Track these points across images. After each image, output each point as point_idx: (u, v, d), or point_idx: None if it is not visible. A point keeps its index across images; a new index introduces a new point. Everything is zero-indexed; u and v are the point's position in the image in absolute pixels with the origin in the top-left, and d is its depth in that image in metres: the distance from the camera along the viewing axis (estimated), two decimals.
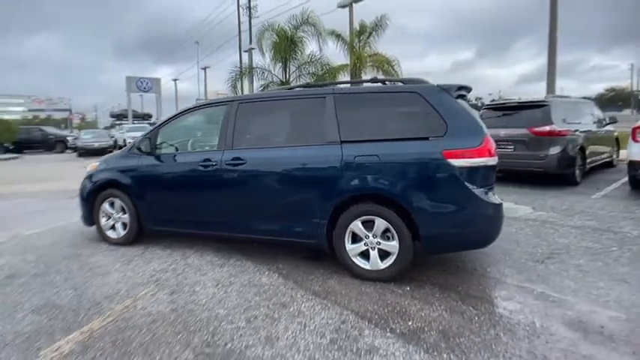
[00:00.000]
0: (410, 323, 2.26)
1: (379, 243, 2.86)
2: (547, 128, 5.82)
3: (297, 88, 3.51)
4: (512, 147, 6.29)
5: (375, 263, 2.87)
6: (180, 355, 1.97)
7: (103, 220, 4.00)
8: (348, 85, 5.56)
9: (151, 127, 3.96)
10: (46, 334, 2.18)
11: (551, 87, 10.21)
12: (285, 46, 12.55)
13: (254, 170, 3.22)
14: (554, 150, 5.80)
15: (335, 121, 3.00)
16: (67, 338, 2.13)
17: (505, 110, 6.66)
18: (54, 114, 65.09)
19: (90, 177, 4.06)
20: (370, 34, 14.36)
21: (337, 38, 14.77)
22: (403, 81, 3.22)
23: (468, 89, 3.20)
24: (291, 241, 3.21)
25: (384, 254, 2.86)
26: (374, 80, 3.29)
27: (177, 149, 3.73)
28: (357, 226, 2.89)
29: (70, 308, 2.52)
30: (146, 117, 44.68)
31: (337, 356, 1.94)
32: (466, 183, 2.63)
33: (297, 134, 3.22)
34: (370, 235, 2.87)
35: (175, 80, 52.17)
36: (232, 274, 3.09)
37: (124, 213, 3.87)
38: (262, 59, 13.93)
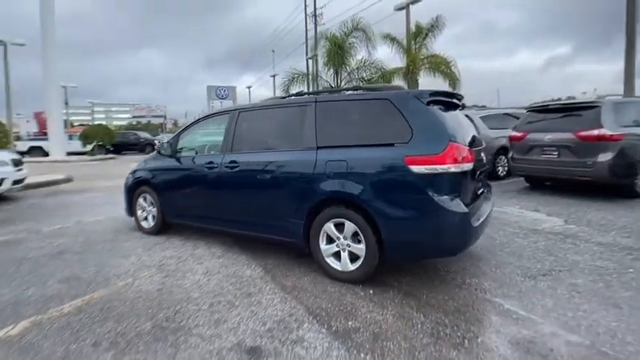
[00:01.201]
0: (350, 323, 2.34)
1: (349, 245, 2.95)
2: (595, 132, 5.13)
3: (290, 97, 3.75)
4: (556, 153, 5.67)
5: (345, 264, 2.97)
6: (141, 325, 2.35)
7: (138, 212, 4.71)
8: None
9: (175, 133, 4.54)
10: (59, 298, 2.75)
11: (628, 86, 8.80)
12: (336, 52, 12.83)
13: (245, 172, 3.55)
14: (605, 157, 5.09)
15: (313, 128, 3.18)
16: (71, 303, 2.67)
17: (550, 113, 6.02)
18: (153, 120, 74.28)
19: (131, 175, 4.82)
20: (426, 35, 13.94)
21: (392, 41, 14.61)
22: (381, 88, 3.25)
23: (450, 94, 3.11)
24: (275, 239, 3.45)
25: (354, 256, 2.94)
26: (355, 88, 3.36)
27: (190, 152, 4.24)
28: (329, 228, 3.02)
29: (85, 281, 3.10)
30: None
31: (264, 342, 2.13)
32: (427, 190, 2.60)
33: (282, 140, 3.45)
34: (341, 237, 2.97)
35: (249, 87, 56.37)
36: (224, 265, 3.44)
37: (153, 207, 4.52)
38: (321, 66, 14.39)
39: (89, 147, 24.30)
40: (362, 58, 13.52)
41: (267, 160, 3.42)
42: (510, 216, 4.88)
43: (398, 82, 15.13)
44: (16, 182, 7.39)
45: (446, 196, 2.59)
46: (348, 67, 13.60)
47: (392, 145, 2.77)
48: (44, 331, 2.28)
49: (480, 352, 2.00)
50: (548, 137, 5.73)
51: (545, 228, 4.27)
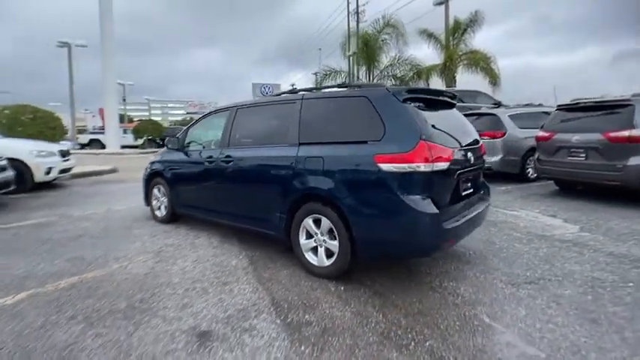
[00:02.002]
0: (306, 317, 2.38)
1: (325, 241, 2.98)
2: (626, 133, 4.63)
3: (282, 94, 3.82)
4: (583, 155, 5.20)
5: (322, 260, 3.00)
6: (118, 304, 2.57)
7: (153, 202, 5.06)
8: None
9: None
10: (59, 275, 3.08)
11: None
12: (362, 49, 12.66)
13: (237, 166, 3.69)
14: (636, 160, 4.58)
15: (297, 125, 3.24)
16: (68, 280, 2.98)
17: (579, 112, 5.50)
18: None
19: (148, 166, 5.18)
20: (465, 30, 13.30)
21: (429, 37, 14.13)
22: (362, 86, 3.21)
23: (436, 92, 3.01)
24: (261, 232, 3.56)
25: (329, 253, 2.97)
26: (341, 86, 3.34)
27: (196, 147, 4.48)
28: (308, 223, 3.07)
29: (88, 261, 3.43)
30: None
31: (218, 328, 2.24)
32: (395, 189, 2.55)
33: (271, 136, 3.53)
34: (319, 233, 3.01)
35: (293, 85, 57.54)
36: (215, 255, 3.62)
37: (165, 197, 4.84)
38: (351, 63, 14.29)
39: (140, 141, 26.29)
40: (395, 55, 13.23)
41: (257, 155, 3.53)
42: (522, 220, 4.58)
43: (435, 79, 14.65)
44: (62, 171, 8.24)
45: (415, 196, 2.53)
46: (380, 65, 13.37)
47: (365, 142, 2.75)
48: (35, 302, 2.58)
49: (423, 355, 1.95)
50: (575, 138, 5.26)
51: (554, 234, 3.96)
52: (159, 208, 4.97)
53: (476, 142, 3.32)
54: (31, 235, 4.33)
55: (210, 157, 4.02)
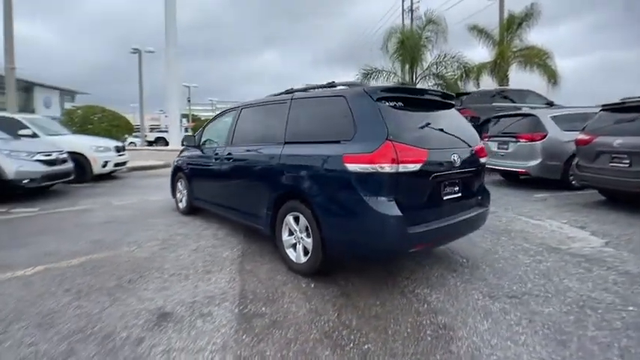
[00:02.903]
0: (263, 309, 2.46)
1: (302, 239, 3.04)
2: None
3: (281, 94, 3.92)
4: (627, 161, 4.56)
5: (299, 257, 3.07)
6: (108, 282, 2.88)
7: (177, 195, 5.51)
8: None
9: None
10: (75, 254, 3.52)
11: None
12: (400, 47, 12.28)
13: (236, 163, 3.89)
14: None
15: (285, 124, 3.34)
16: (80, 258, 3.40)
17: (626, 112, 4.82)
18: None
19: (175, 161, 5.64)
20: (519, 25, 12.27)
21: (480, 34, 13.30)
22: (348, 85, 3.17)
23: (419, 91, 2.90)
24: (252, 226, 3.72)
25: (306, 250, 3.02)
26: (329, 85, 3.33)
27: (210, 144, 4.78)
28: (289, 220, 3.15)
29: (105, 244, 3.86)
30: None
31: (180, 311, 2.42)
32: (359, 189, 2.52)
33: (264, 135, 3.66)
34: (297, 230, 3.08)
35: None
36: (213, 246, 3.85)
37: (185, 190, 5.25)
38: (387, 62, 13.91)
39: None
40: (440, 53, 12.64)
41: (251, 153, 3.70)
42: (542, 231, 4.18)
43: (485, 78, 13.77)
44: (117, 165, 9.27)
45: (378, 197, 2.48)
46: (424, 63, 12.89)
47: (338, 142, 2.75)
48: (46, 275, 3.00)
49: (354, 357, 1.93)
50: (618, 142, 4.63)
51: (570, 248, 3.57)
52: (180, 200, 5.40)
53: (470, 144, 3.13)
54: (72, 220, 4.98)
55: (217, 154, 4.29)
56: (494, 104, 9.21)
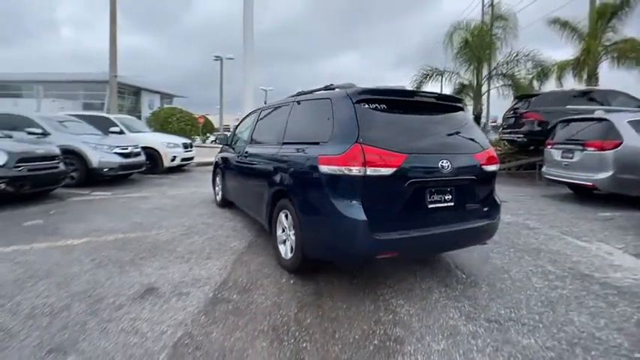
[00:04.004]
0: (234, 296, 2.63)
1: (289, 236, 3.14)
2: None
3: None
4: None
5: (286, 253, 3.18)
6: (126, 257, 3.34)
7: (216, 189, 6.04)
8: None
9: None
10: (114, 232, 4.14)
11: None
12: (474, 45, 11.36)
13: (250, 162, 4.15)
14: None
15: (285, 125, 3.48)
16: (116, 235, 3.99)
17: None
18: None
19: (215, 158, 6.19)
20: (612, 16, 10.51)
21: (563, 28, 11.74)
22: (341, 87, 3.14)
23: (407, 93, 2.76)
24: (259, 221, 3.92)
25: (292, 247, 3.11)
26: (327, 87, 3.32)
27: (236, 143, 5.14)
28: (281, 217, 3.28)
29: (141, 226, 4.45)
30: None
31: (165, 288, 2.72)
32: (329, 191, 2.54)
33: (271, 135, 3.84)
34: (287, 227, 3.20)
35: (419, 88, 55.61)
36: (227, 236, 4.16)
37: (220, 184, 5.73)
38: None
39: None
40: (511, 51, 11.42)
41: (260, 152, 3.92)
42: (581, 254, 3.61)
43: (570, 78, 12.14)
44: (184, 159, 10.42)
45: (344, 200, 2.46)
46: (492, 63, 11.78)
47: (318, 143, 2.80)
48: (84, 246, 3.60)
49: (287, 352, 1.98)
50: None
51: (607, 277, 3.03)
52: (218, 193, 5.90)
53: (469, 150, 2.88)
54: (130, 204, 5.81)
55: (239, 152, 4.62)
56: (568, 107, 8.05)
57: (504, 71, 11.62)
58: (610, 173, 5.47)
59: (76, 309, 2.35)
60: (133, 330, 2.13)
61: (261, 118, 4.38)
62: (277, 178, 3.30)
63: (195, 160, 11.52)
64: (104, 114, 10.84)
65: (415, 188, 2.59)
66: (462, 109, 3.16)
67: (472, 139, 3.01)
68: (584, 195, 6.80)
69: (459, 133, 3.00)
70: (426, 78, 12.69)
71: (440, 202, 2.72)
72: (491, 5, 24.09)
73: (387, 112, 2.72)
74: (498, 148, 13.42)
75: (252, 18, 25.04)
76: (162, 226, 4.49)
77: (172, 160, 9.90)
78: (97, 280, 2.83)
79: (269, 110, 4.31)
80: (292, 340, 2.09)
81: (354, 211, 2.43)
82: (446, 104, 3.04)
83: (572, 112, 7.57)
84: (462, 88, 12.98)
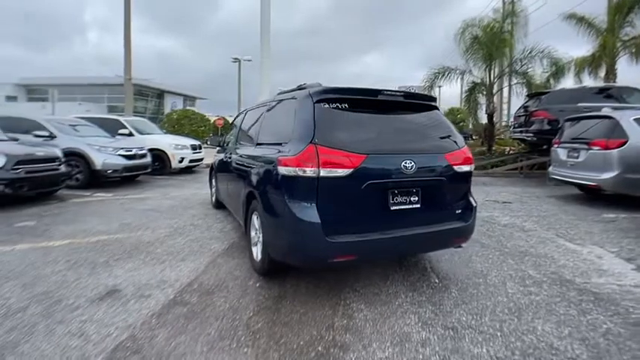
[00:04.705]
0: (193, 299, 2.62)
1: (259, 238, 3.11)
2: None
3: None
4: None
5: (257, 255, 3.15)
6: (102, 258, 3.39)
7: (212, 190, 6.10)
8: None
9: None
10: (101, 233, 4.22)
11: None
12: (483, 42, 10.98)
13: (232, 162, 4.15)
14: None
15: (260, 126, 3.45)
16: (100, 237, 4.07)
17: None
18: None
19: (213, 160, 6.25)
20: (630, 10, 9.95)
21: (579, 23, 11.20)
22: (309, 87, 3.07)
23: (370, 92, 2.67)
24: (239, 222, 3.91)
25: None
26: (300, 87, 3.25)
27: (228, 145, 5.16)
28: (253, 219, 3.26)
29: (128, 227, 4.53)
30: None
31: (129, 290, 2.74)
32: (284, 192, 2.49)
33: (250, 136, 3.83)
34: (258, 228, 3.17)
35: (440, 87, 54.46)
36: (210, 238, 4.16)
37: (214, 186, 5.78)
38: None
39: None
40: (525, 48, 10.94)
41: (240, 154, 3.90)
42: (569, 258, 3.41)
43: (586, 75, 11.60)
44: (192, 161, 10.59)
45: (298, 202, 2.41)
46: (505, 60, 11.35)
47: (281, 144, 2.75)
48: (65, 248, 3.69)
49: (226, 358, 1.94)
50: None
51: (588, 283, 2.84)
52: (213, 195, 5.96)
53: (439, 150, 2.76)
54: (126, 205, 5.94)
55: (226, 154, 4.64)
56: (580, 105, 7.66)
57: (518, 69, 11.19)
58: (615, 173, 5.15)
59: (32, 310, 2.40)
60: (79, 332, 2.15)
61: (244, 120, 4.38)
62: (250, 179, 3.27)
63: (206, 162, 11.68)
64: (114, 116, 11.17)
65: (376, 190, 2.50)
66: (435, 107, 3.04)
67: (444, 139, 2.90)
68: (593, 196, 6.45)
69: (430, 132, 2.89)
70: (437, 77, 12.39)
71: (404, 203, 2.62)
72: (512, 2, 23.45)
73: (350, 112, 2.64)
74: (512, 148, 13.01)
75: (269, 19, 25.27)
76: (150, 227, 4.56)
77: (180, 161, 10.08)
78: (64, 281, 2.89)
79: (252, 111, 4.31)
80: (234, 345, 2.05)
81: (308, 213, 2.37)
82: (417, 103, 2.93)
83: (585, 110, 7.20)
84: (475, 87, 12.61)
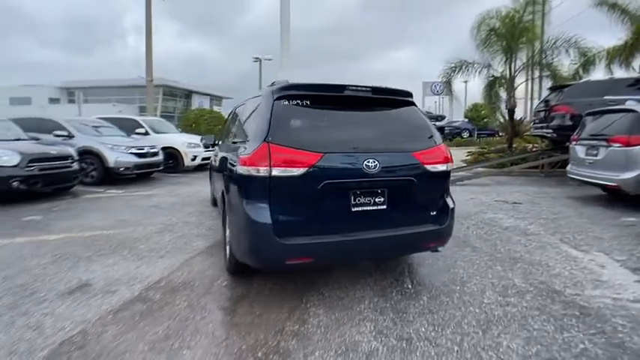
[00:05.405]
0: (157, 296, 2.63)
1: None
2: None
3: None
4: None
5: (227, 253, 3.12)
6: (87, 253, 3.49)
7: (210, 188, 6.17)
8: None
9: None
10: (95, 228, 4.37)
11: None
12: (501, 34, 10.37)
13: (217, 161, 4.16)
14: None
15: (236, 125, 3.44)
16: (93, 232, 4.21)
17: None
18: None
19: None
20: None
21: (611, 9, 10.35)
22: (278, 84, 2.99)
23: (323, 87, 2.55)
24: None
25: None
26: (272, 84, 3.16)
27: (218, 143, 5.18)
28: (227, 217, 3.24)
29: (123, 223, 4.65)
30: (439, 118, 48.03)
31: (99, 285, 2.79)
32: (241, 192, 2.45)
33: (230, 134, 3.80)
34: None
35: (465, 82, 52.41)
36: (197, 235, 4.19)
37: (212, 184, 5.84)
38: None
39: None
40: (549, 38, 10.20)
41: (222, 153, 3.90)
42: (565, 266, 3.13)
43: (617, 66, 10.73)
44: (204, 159, 10.80)
45: (252, 202, 2.35)
46: (527, 52, 10.68)
47: (244, 142, 2.70)
48: (58, 241, 3.84)
49: (160, 356, 1.92)
50: None
51: (578, 295, 2.58)
52: (211, 192, 6.03)
53: (408, 149, 2.60)
54: (131, 202, 6.14)
55: (215, 152, 4.66)
56: (606, 98, 7.05)
57: (542, 60, 10.50)
58: (637, 173, 4.69)
59: (3, 302, 2.50)
60: (36, 325, 2.21)
61: (232, 119, 4.37)
62: (223, 178, 3.26)
63: None
64: (132, 116, 11.62)
65: (334, 190, 2.39)
66: (410, 103, 2.87)
67: (417, 136, 2.73)
68: (617, 197, 5.92)
69: (401, 129, 2.74)
70: (454, 71, 11.90)
71: (368, 205, 2.49)
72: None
73: (312, 109, 2.54)
74: (535, 145, 12.27)
75: (288, 18, 25.34)
76: (144, 223, 4.67)
77: (193, 159, 10.32)
78: (44, 274, 3.00)
79: (238, 109, 4.29)
80: (176, 346, 2.02)
81: (260, 213, 2.30)
82: (388, 99, 2.78)
83: (611, 104, 6.63)
84: (495, 81, 11.99)
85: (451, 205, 2.78)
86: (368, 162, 2.43)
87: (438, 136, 2.82)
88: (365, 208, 2.48)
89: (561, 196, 6.43)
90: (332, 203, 2.41)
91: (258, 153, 2.32)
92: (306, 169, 2.30)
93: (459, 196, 6.68)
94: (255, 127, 2.58)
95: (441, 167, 2.70)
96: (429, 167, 2.63)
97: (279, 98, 2.52)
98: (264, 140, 2.33)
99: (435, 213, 2.71)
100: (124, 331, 2.17)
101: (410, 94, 2.87)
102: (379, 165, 2.45)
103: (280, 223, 2.28)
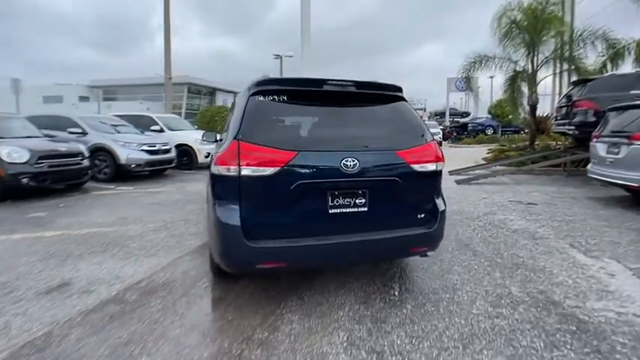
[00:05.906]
0: (134, 297, 2.58)
1: None
2: None
3: None
4: None
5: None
6: (78, 251, 3.52)
7: None
8: None
9: None
10: (94, 225, 4.42)
11: None
12: (523, 27, 9.82)
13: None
14: None
15: (225, 122, 3.33)
16: (91, 229, 4.26)
17: None
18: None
19: None
20: None
21: None
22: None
23: (301, 82, 2.40)
24: None
25: None
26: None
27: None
28: None
29: (122, 221, 4.69)
30: (464, 115, 46.76)
31: (80, 284, 2.78)
32: (215, 192, 2.36)
33: (223, 132, 3.72)
34: None
35: (491, 77, 50.66)
36: (192, 233, 4.16)
37: None
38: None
39: None
40: (575, 30, 9.54)
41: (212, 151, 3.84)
42: (570, 274, 2.87)
43: None
44: None
45: (222, 203, 2.25)
46: (551, 45, 10.06)
47: (223, 140, 2.60)
48: (53, 238, 3.90)
49: (134, 350, 1.86)
50: None
51: (579, 308, 2.33)
52: None
53: (393, 147, 2.42)
54: (137, 198, 6.21)
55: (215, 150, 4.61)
56: (633, 92, 6.52)
57: (565, 53, 9.87)
58: None
59: None
60: (4, 326, 2.20)
61: (230, 114, 4.30)
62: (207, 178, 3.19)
63: None
64: (147, 114, 11.84)
65: (309, 190, 2.26)
66: (400, 98, 2.68)
67: (405, 134, 2.55)
68: None
69: (387, 126, 2.56)
70: (473, 66, 11.42)
71: (347, 206, 2.34)
72: None
73: (288, 105, 2.41)
74: (559, 142, 11.62)
75: (309, 14, 25.23)
76: (143, 221, 4.69)
77: (206, 156, 10.39)
78: (29, 272, 3.02)
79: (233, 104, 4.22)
80: (136, 352, 1.95)
81: (229, 215, 2.19)
82: (374, 94, 2.60)
83: (638, 99, 6.13)
84: (516, 75, 11.42)
85: (441, 208, 2.58)
86: (346, 161, 2.27)
87: (429, 133, 2.62)
88: (344, 210, 2.33)
89: (581, 197, 6.01)
90: (307, 205, 2.27)
91: (228, 151, 2.22)
92: (278, 168, 2.18)
93: (471, 196, 6.40)
94: (231, 125, 2.47)
95: (430, 167, 2.51)
96: (415, 167, 2.45)
97: (254, 94, 2.39)
98: (234, 138, 2.23)
99: (422, 216, 2.53)
100: (89, 334, 2.12)
101: (399, 89, 2.68)
102: (359, 164, 2.28)
103: (250, 225, 2.17)
